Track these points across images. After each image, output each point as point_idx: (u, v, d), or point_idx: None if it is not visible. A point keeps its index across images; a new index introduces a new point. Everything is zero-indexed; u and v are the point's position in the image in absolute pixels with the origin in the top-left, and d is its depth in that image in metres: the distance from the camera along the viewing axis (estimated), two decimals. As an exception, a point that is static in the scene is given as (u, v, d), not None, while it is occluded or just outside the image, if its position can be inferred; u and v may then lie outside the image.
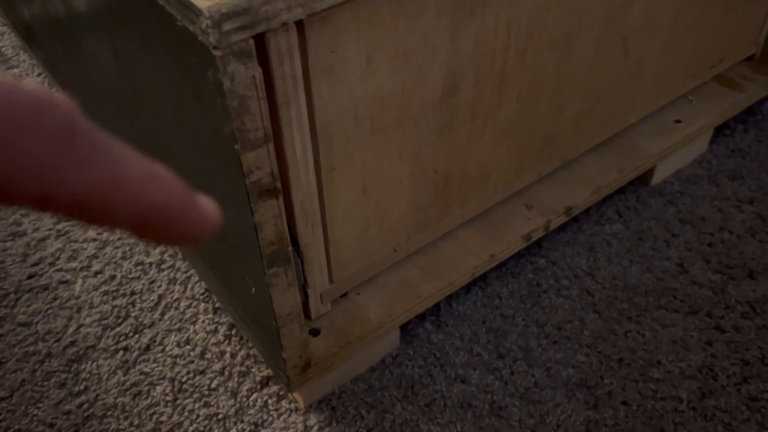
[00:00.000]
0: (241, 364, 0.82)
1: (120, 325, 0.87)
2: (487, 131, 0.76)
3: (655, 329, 0.83)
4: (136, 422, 0.77)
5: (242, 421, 0.76)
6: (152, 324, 0.87)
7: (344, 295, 0.79)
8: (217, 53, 0.44)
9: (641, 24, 0.83)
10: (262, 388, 0.80)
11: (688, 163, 1.06)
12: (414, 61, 0.62)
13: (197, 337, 0.85)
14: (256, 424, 0.76)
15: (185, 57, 0.51)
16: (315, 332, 0.76)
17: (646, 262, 0.91)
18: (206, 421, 0.76)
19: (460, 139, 0.73)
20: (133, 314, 0.88)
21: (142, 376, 0.81)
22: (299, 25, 0.51)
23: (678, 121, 1.02)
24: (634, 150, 0.97)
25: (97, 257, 0.95)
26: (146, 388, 0.80)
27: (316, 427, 0.76)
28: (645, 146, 0.98)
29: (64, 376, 0.81)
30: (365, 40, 0.57)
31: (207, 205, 0.20)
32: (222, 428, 0.76)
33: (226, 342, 0.84)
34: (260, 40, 0.48)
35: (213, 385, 0.80)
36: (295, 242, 0.66)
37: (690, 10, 0.88)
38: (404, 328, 0.85)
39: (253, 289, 0.68)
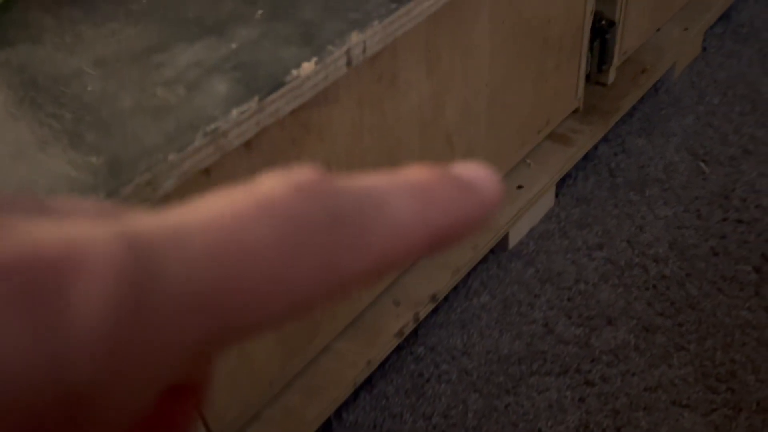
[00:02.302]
0: None
1: None
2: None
3: (532, 397, 0.88)
4: None
5: None
6: None
7: (229, 438, 0.80)
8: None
9: (459, 119, 0.89)
10: None
11: (540, 219, 1.13)
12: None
13: None
14: None
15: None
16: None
17: (515, 329, 0.97)
18: None
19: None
20: None
21: None
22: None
23: (520, 187, 1.09)
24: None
25: None
26: None
27: None
28: (494, 218, 1.04)
29: None
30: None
31: (482, 182, 0.15)
32: None
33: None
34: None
35: None
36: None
37: (503, 94, 0.96)
38: (299, 451, 0.86)
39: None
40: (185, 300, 0.11)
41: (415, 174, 0.14)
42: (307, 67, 0.58)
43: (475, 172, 0.15)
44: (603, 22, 1.17)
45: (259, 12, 0.66)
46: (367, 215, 0.13)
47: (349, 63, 0.62)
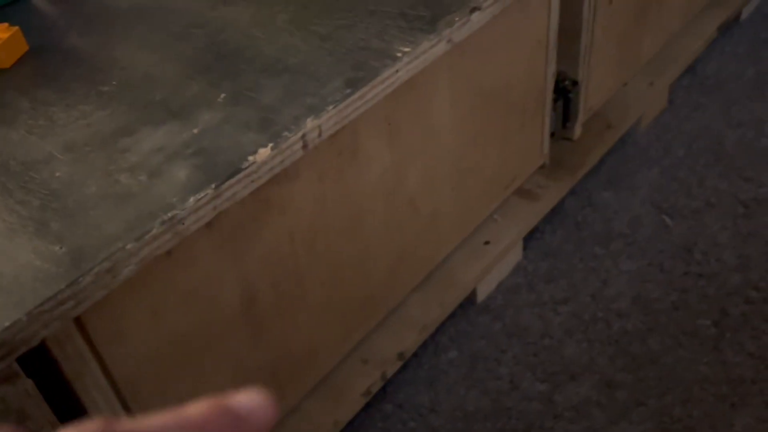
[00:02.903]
0: None
1: None
2: (301, 318, 0.82)
3: (496, 454, 0.91)
4: None
5: None
6: None
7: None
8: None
9: (423, 183, 0.92)
10: None
11: (508, 273, 1.17)
12: (203, 294, 0.67)
13: None
14: None
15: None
16: None
17: (481, 385, 0.99)
18: None
19: (275, 334, 0.79)
20: None
21: None
22: (76, 319, 0.55)
23: (487, 243, 1.12)
24: (451, 280, 1.06)
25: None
26: None
27: None
28: (461, 275, 1.07)
29: None
30: (150, 298, 0.62)
31: (255, 411, 0.18)
32: None
33: None
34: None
35: None
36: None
37: (467, 157, 0.99)
38: None
39: None
40: None
41: (194, 411, 0.17)
42: (264, 152, 0.62)
43: (249, 402, 0.18)
44: (566, 81, 1.22)
45: (222, 95, 0.70)
46: None
47: (305, 146, 0.65)
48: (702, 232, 1.19)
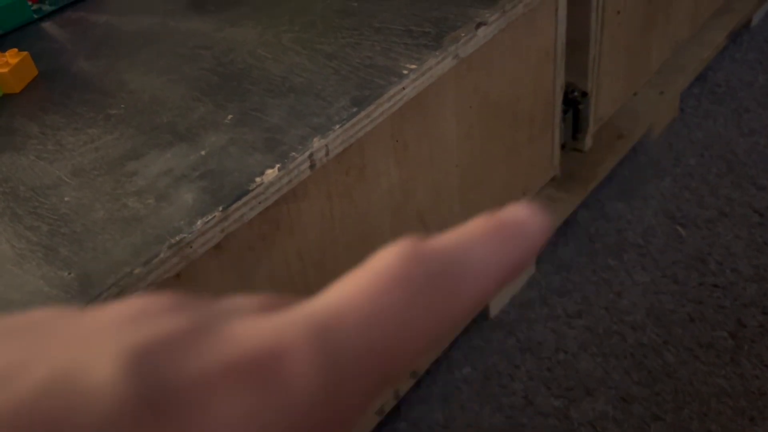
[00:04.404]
0: None
1: None
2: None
3: (512, 472, 0.89)
4: None
5: None
6: None
7: None
8: None
9: (431, 199, 0.92)
10: None
11: (521, 287, 1.16)
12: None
13: None
14: None
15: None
16: None
17: (495, 401, 0.98)
18: None
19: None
20: None
21: None
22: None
23: (499, 257, 1.11)
24: (464, 296, 1.05)
25: None
26: None
27: None
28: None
29: None
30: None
31: (530, 220, 0.19)
32: None
33: None
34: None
35: None
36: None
37: (475, 171, 0.99)
38: None
39: None
40: (360, 361, 0.15)
41: (482, 226, 0.19)
42: (270, 173, 0.62)
43: (524, 213, 0.19)
44: (575, 93, 1.21)
45: (229, 117, 0.70)
46: (459, 267, 0.17)
47: (312, 166, 0.65)
48: (716, 242, 1.18)
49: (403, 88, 0.72)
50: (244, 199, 0.60)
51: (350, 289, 0.16)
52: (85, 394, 0.12)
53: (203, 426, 0.13)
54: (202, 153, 0.65)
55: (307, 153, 0.64)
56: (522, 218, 0.19)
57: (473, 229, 0.18)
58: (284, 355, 0.14)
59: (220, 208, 0.58)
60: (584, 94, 1.21)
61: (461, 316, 0.17)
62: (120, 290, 0.53)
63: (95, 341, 0.14)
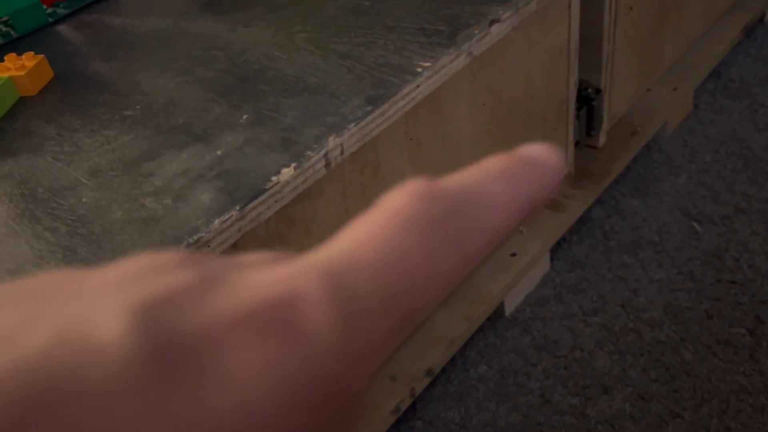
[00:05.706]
0: None
1: None
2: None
3: (529, 470, 0.89)
4: None
5: None
6: None
7: None
8: None
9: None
10: None
11: (536, 285, 1.15)
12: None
13: None
14: None
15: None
16: None
17: (512, 400, 0.98)
18: None
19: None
20: None
21: None
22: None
23: (513, 255, 1.11)
24: (477, 294, 1.05)
25: None
26: None
27: None
28: (487, 288, 1.06)
29: None
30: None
31: (546, 157, 0.19)
32: None
33: None
34: None
35: None
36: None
37: (490, 169, 0.98)
38: None
39: None
40: (375, 303, 0.14)
41: (496, 162, 0.18)
42: (287, 172, 0.62)
43: (539, 151, 0.19)
44: (589, 89, 1.21)
45: (244, 117, 0.70)
46: (473, 203, 0.17)
47: (327, 165, 0.65)
48: (733, 239, 1.17)
49: (417, 86, 0.71)
50: (261, 199, 0.60)
51: (363, 232, 0.15)
52: (94, 349, 0.12)
53: (218, 377, 0.12)
54: (218, 153, 0.65)
55: (323, 152, 0.64)
56: (536, 155, 0.19)
57: (486, 166, 0.18)
58: (299, 301, 0.14)
59: (237, 208, 0.58)
60: (598, 91, 1.20)
61: (478, 254, 0.16)
62: (139, 290, 0.53)
63: (103, 298, 0.13)
